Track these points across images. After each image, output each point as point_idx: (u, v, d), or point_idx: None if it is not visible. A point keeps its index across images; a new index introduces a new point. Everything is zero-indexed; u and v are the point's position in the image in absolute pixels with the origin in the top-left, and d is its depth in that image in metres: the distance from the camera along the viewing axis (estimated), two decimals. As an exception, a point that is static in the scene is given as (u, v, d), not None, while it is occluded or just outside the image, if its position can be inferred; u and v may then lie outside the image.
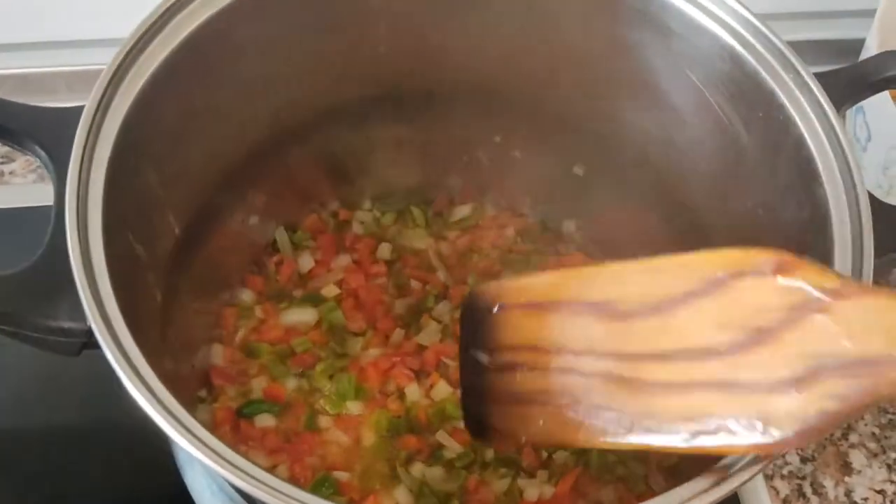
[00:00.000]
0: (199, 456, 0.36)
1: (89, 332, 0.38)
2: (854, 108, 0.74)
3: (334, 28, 0.53)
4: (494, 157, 0.68)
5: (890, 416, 0.68)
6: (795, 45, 0.48)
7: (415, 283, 0.66)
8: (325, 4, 0.52)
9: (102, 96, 0.42)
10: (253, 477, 0.36)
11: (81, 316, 0.38)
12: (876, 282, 0.42)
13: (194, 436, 0.36)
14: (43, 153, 0.41)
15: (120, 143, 0.43)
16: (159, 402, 0.37)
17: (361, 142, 0.66)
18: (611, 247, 0.68)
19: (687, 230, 0.59)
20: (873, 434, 0.67)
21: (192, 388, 0.60)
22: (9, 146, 0.41)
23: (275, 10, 0.49)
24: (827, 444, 0.67)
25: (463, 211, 0.70)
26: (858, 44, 0.73)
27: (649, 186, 0.61)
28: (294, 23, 0.51)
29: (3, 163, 0.74)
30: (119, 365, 0.36)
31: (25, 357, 0.42)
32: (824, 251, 0.43)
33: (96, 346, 0.38)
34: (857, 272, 0.41)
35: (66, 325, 0.38)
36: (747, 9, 0.48)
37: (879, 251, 0.42)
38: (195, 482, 0.50)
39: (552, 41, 0.55)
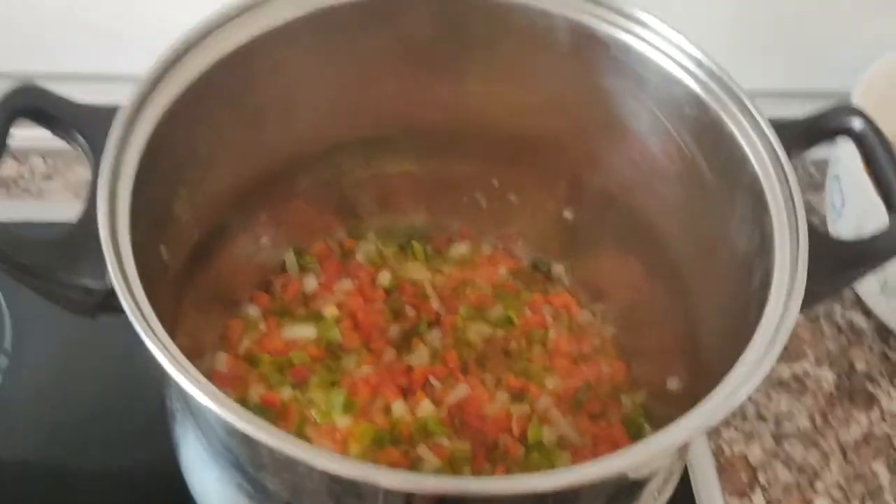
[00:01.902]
0: (201, 398, 0.39)
1: (106, 294, 0.43)
2: (831, 176, 0.79)
3: (346, 72, 0.59)
4: (492, 199, 0.73)
5: (856, 469, 0.71)
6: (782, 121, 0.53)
7: (409, 310, 0.70)
8: (338, 50, 0.58)
9: (142, 96, 0.48)
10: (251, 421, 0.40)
11: (101, 277, 0.43)
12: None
13: (197, 381, 0.40)
14: (83, 141, 0.47)
15: (152, 143, 0.48)
16: (168, 351, 0.41)
17: (370, 177, 0.72)
18: (595, 289, 0.73)
19: (663, 272, 0.64)
20: (839, 484, 0.70)
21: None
22: (53, 133, 0.47)
23: (293, 47, 0.55)
24: (794, 489, 0.69)
25: (460, 249, 0.75)
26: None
27: (628, 230, 0.66)
28: (311, 60, 0.58)
29: (43, 181, 0.81)
30: (133, 315, 0.41)
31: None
32: (766, 273, 0.47)
33: (109, 308, 0.43)
34: (790, 290, 0.45)
35: (88, 282, 0.43)
36: (713, 60, 0.54)
37: (817, 275, 0.47)
38: (189, 457, 0.54)
39: (540, 92, 0.61)
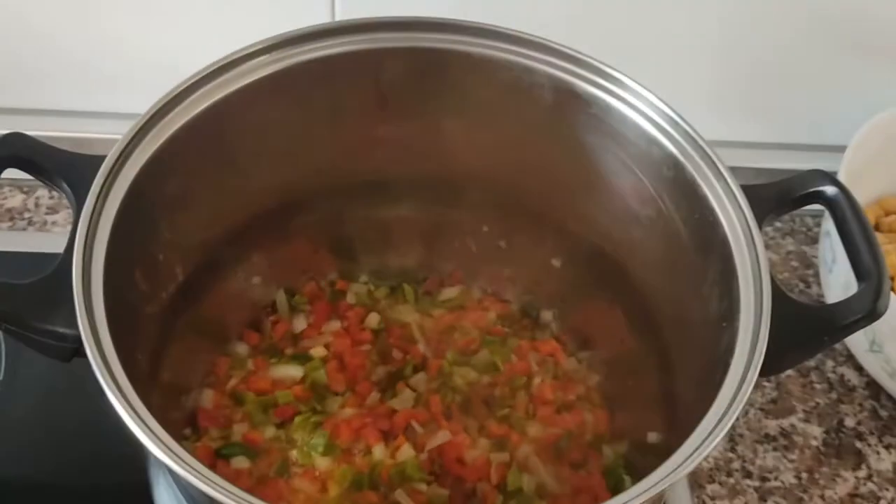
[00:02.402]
0: (160, 456, 0.41)
1: (80, 339, 0.44)
2: (823, 232, 0.79)
3: (331, 118, 0.61)
4: (482, 245, 0.74)
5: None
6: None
7: (396, 353, 0.71)
8: (327, 97, 0.60)
9: (125, 148, 0.50)
10: (208, 478, 0.41)
11: (75, 325, 0.44)
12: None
13: (158, 438, 0.42)
14: (68, 189, 0.49)
15: (134, 190, 0.50)
16: (130, 404, 0.42)
17: (362, 221, 0.73)
18: (583, 337, 0.73)
19: (643, 325, 0.65)
20: (822, 543, 0.69)
21: (179, 426, 0.66)
22: (40, 181, 0.49)
23: (271, 99, 0.57)
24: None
25: (451, 293, 0.76)
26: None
27: (612, 281, 0.66)
28: (299, 109, 0.59)
29: (48, 213, 0.83)
30: (99, 370, 0.42)
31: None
32: (732, 337, 0.48)
33: (84, 354, 0.45)
34: (751, 356, 0.45)
35: (61, 330, 0.44)
36: (688, 124, 0.54)
37: (784, 341, 0.47)
38: (161, 499, 0.55)
39: (524, 145, 0.63)
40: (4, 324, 0.44)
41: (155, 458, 0.56)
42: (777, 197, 0.53)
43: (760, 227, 0.51)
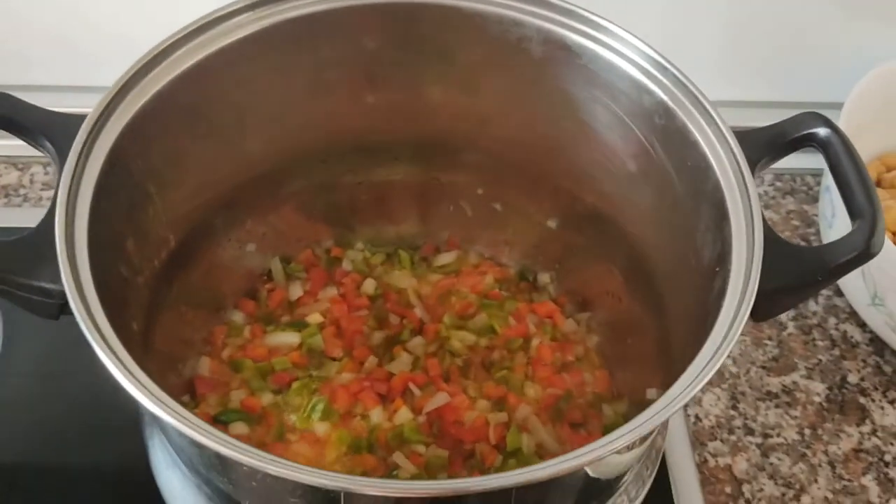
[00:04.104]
0: (149, 406, 0.40)
1: (65, 295, 0.44)
2: (823, 188, 0.78)
3: (319, 77, 0.60)
4: (477, 209, 0.74)
5: (844, 482, 0.70)
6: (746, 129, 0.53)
7: (393, 318, 0.71)
8: (313, 57, 0.59)
9: (107, 106, 0.50)
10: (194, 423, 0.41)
11: (60, 280, 0.44)
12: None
13: (147, 390, 0.41)
14: (51, 147, 0.48)
15: (117, 149, 0.50)
16: (119, 358, 0.42)
17: (357, 186, 0.72)
18: (581, 298, 0.72)
19: (640, 282, 0.64)
20: (826, 499, 0.69)
21: (176, 393, 0.66)
22: (23, 140, 0.49)
23: (254, 61, 0.57)
24: (779, 503, 0.68)
25: (447, 258, 0.76)
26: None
27: (608, 239, 0.66)
28: (283, 69, 0.59)
29: (43, 189, 0.83)
30: (84, 322, 0.42)
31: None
32: (724, 281, 0.47)
33: (70, 311, 0.44)
34: (742, 298, 0.45)
35: (47, 286, 0.44)
36: (678, 70, 0.54)
37: (777, 283, 0.46)
38: (157, 458, 0.54)
39: (515, 102, 0.62)
40: (-10, 280, 0.44)
41: (147, 418, 0.56)
42: (770, 140, 0.52)
43: (753, 172, 0.50)
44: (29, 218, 0.77)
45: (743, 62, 0.85)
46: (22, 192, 0.82)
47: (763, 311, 0.47)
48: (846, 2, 0.82)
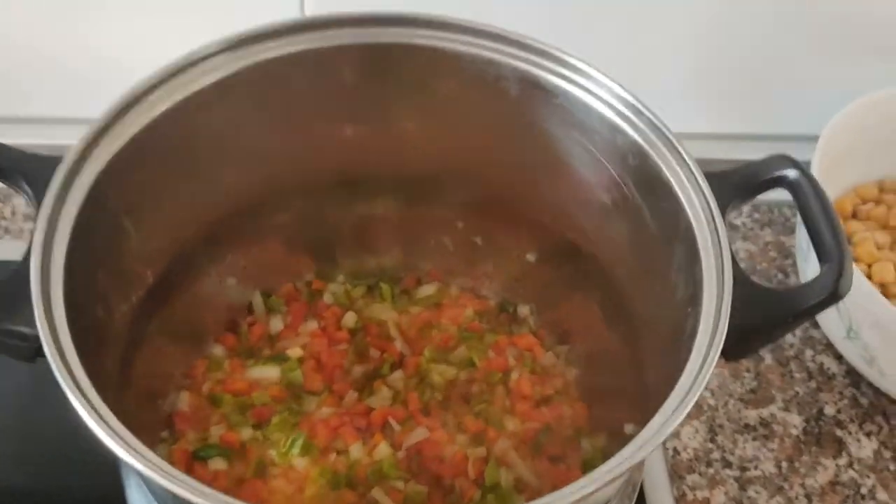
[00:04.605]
0: (118, 451, 0.41)
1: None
2: (798, 221, 0.79)
3: (299, 115, 0.61)
4: (458, 242, 0.74)
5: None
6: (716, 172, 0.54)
7: (373, 352, 0.71)
8: (291, 96, 0.60)
9: (85, 148, 0.50)
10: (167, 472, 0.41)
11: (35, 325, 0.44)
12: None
13: (112, 430, 0.42)
14: (28, 188, 0.49)
15: (95, 190, 0.50)
16: (89, 402, 0.42)
17: (338, 220, 0.73)
18: (561, 331, 0.73)
19: (616, 317, 0.65)
20: None
21: (155, 429, 0.66)
22: (2, 181, 0.49)
23: (243, 95, 0.57)
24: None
25: (428, 290, 0.76)
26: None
27: (585, 274, 0.66)
28: (262, 108, 0.59)
29: (25, 222, 0.83)
30: (58, 368, 0.42)
31: None
32: (696, 322, 0.48)
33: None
34: (712, 339, 0.45)
35: (23, 329, 0.44)
36: (651, 112, 0.54)
37: (747, 324, 0.47)
38: (133, 498, 0.54)
39: (492, 139, 0.63)
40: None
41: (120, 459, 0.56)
42: (740, 183, 0.53)
43: (724, 214, 0.51)
44: (10, 251, 0.78)
45: (718, 95, 0.86)
46: (3, 223, 0.83)
47: (734, 351, 0.47)
48: (820, 35, 0.83)
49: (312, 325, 0.73)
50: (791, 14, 0.81)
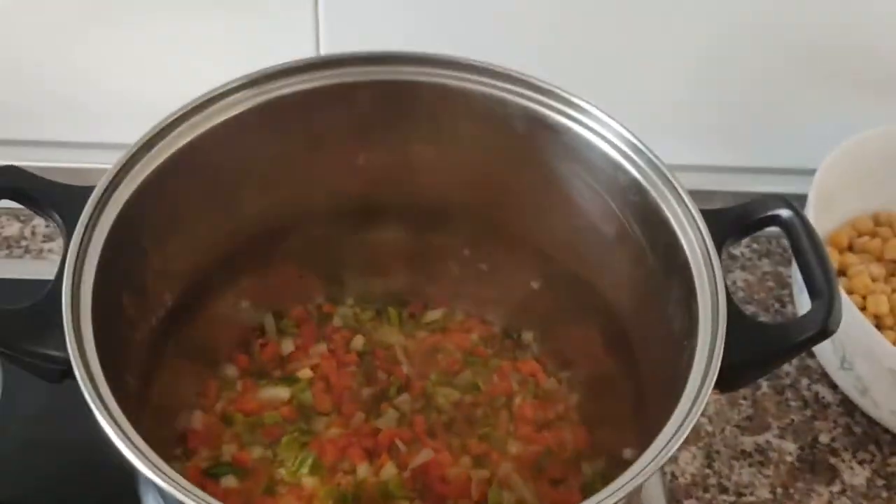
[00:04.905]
0: (144, 470, 0.43)
1: (69, 362, 0.47)
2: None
3: (315, 147, 0.64)
4: (464, 268, 0.76)
5: (814, 541, 0.72)
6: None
7: (381, 374, 0.73)
8: (307, 129, 0.62)
9: (112, 179, 0.53)
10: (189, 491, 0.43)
11: (65, 348, 0.47)
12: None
13: (142, 454, 0.44)
14: (59, 219, 0.51)
15: (122, 220, 0.53)
16: (116, 422, 0.45)
17: (349, 245, 0.75)
18: (563, 357, 0.75)
19: (617, 345, 0.67)
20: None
21: (170, 447, 0.68)
22: (31, 210, 0.52)
23: (263, 128, 0.60)
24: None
25: (434, 315, 0.78)
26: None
27: (587, 303, 0.69)
28: (281, 140, 0.62)
29: (44, 242, 0.86)
30: (87, 389, 0.45)
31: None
32: (691, 355, 0.50)
33: (73, 375, 0.47)
34: (706, 372, 0.48)
35: (52, 353, 0.47)
36: (651, 151, 0.57)
37: (740, 358, 0.49)
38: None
39: (499, 173, 0.65)
40: (-1, 346, 0.46)
41: (143, 477, 0.58)
42: (735, 221, 0.55)
43: (719, 251, 0.54)
44: (30, 270, 0.81)
45: (718, 129, 0.89)
46: (24, 243, 0.85)
47: (727, 383, 0.50)
48: (818, 72, 0.86)
49: (322, 347, 0.75)
50: (790, 49, 0.84)
